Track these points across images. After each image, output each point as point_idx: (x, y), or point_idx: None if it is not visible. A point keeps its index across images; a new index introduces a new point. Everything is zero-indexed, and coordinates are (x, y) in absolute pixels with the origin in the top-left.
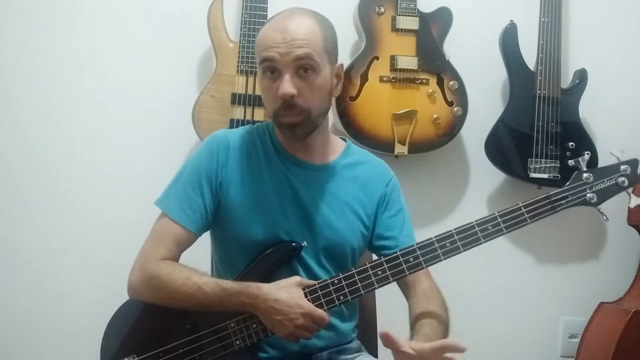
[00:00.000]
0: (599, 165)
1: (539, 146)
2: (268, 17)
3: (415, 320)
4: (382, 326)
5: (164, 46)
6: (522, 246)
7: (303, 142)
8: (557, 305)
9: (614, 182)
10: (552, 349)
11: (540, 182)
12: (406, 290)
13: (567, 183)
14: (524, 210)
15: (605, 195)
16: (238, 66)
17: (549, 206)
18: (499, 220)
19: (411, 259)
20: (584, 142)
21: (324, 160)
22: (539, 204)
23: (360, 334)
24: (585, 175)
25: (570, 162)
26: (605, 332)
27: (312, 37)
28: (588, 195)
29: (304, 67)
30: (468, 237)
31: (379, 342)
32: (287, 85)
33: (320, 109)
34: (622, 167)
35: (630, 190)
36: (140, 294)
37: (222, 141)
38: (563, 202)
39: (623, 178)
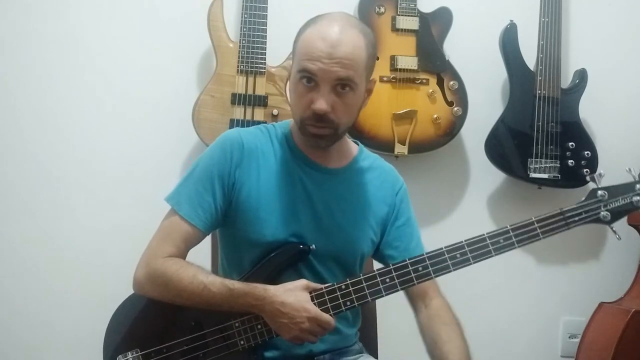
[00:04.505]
0: (599, 166)
1: (539, 146)
2: (268, 17)
3: (436, 347)
4: (382, 328)
5: (164, 46)
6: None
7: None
8: (556, 305)
9: (628, 200)
10: (552, 349)
11: (540, 182)
12: (414, 301)
13: (582, 200)
14: (536, 225)
15: (619, 214)
16: (238, 66)
17: (562, 222)
18: (511, 234)
19: (420, 269)
20: (584, 142)
21: (339, 164)
22: (552, 220)
23: (361, 335)
24: (600, 192)
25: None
26: (605, 332)
27: (358, 58)
28: (602, 213)
29: (342, 85)
30: (479, 249)
31: (379, 343)
32: (323, 102)
33: (348, 124)
34: (638, 187)
35: None
36: (145, 290)
37: (236, 141)
38: (576, 218)
39: (638, 197)
